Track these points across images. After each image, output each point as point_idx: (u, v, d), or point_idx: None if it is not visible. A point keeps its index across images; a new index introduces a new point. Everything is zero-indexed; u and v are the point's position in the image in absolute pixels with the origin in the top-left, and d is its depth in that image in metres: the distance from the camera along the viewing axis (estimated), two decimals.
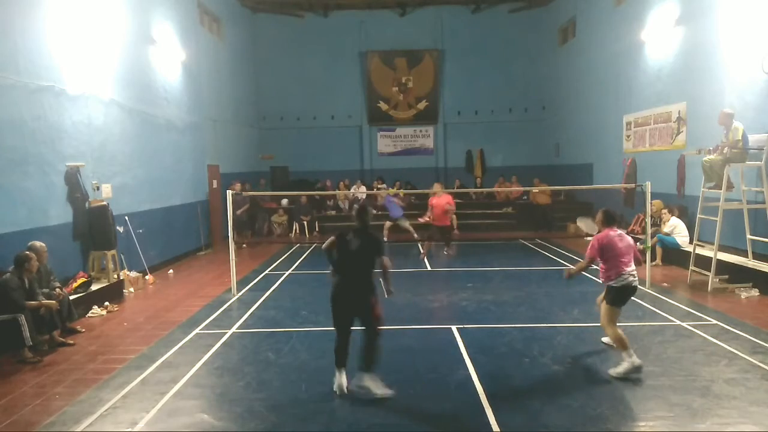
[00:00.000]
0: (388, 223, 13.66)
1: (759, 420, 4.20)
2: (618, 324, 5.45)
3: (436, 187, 12.48)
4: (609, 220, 5.50)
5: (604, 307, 5.45)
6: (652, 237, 9.67)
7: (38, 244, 6.66)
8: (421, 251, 12.28)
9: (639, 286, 8.56)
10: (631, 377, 5.03)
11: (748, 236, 8.52)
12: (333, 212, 17.46)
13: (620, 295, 5.35)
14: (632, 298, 7.95)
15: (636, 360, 5.06)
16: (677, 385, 4.86)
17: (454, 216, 16.08)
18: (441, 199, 11.66)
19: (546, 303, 7.93)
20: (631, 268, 5.35)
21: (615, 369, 5.14)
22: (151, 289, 9.61)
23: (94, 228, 8.61)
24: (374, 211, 10.27)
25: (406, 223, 13.46)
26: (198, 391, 5.04)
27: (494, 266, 10.99)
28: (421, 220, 12.91)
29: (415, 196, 18.32)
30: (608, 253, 5.31)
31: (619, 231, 5.54)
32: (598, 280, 9.24)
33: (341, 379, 4.86)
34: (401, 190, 17.90)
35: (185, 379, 5.26)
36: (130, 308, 8.24)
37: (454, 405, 4.64)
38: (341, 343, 4.95)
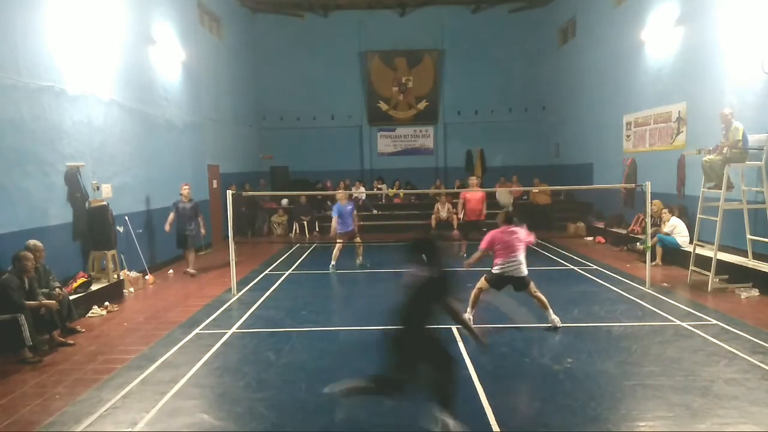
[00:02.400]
0: (339, 244, 10.94)
1: (759, 420, 4.20)
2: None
3: (473, 181, 12.58)
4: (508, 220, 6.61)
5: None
6: (652, 237, 9.67)
7: (34, 242, 6.65)
8: (462, 252, 11.31)
9: (639, 286, 8.66)
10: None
11: (748, 236, 8.51)
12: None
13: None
14: (632, 298, 8.02)
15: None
16: (677, 385, 4.86)
17: (455, 216, 16.15)
18: (476, 194, 11.79)
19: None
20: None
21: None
22: (151, 289, 9.61)
23: (94, 228, 8.61)
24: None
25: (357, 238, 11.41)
26: (198, 391, 5.04)
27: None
28: (458, 216, 12.66)
29: (415, 196, 18.36)
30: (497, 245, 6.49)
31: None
32: (598, 280, 9.29)
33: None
34: (401, 190, 17.93)
35: (185, 379, 5.26)
36: (130, 308, 8.24)
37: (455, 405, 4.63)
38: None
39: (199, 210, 10.72)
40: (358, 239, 11.32)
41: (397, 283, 4.73)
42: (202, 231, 10.75)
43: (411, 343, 3.89)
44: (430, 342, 3.98)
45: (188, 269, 10.56)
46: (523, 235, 6.59)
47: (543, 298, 6.65)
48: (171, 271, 10.96)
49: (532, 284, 6.64)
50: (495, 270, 6.53)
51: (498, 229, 6.58)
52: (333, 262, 10.79)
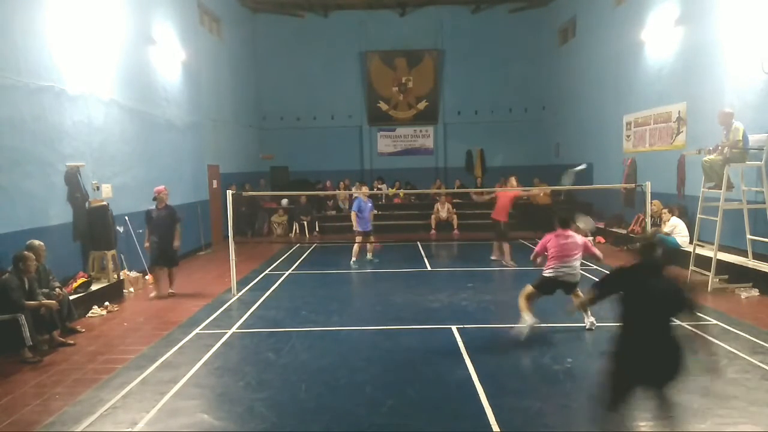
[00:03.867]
0: (359, 239, 11.32)
1: (759, 420, 4.20)
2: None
3: (513, 181, 12.33)
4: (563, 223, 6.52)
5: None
6: None
7: (37, 243, 6.65)
8: (503, 256, 11.07)
9: None
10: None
11: (748, 236, 8.51)
12: (333, 212, 17.47)
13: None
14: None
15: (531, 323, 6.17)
16: (677, 385, 4.85)
17: (455, 216, 16.16)
18: (509, 193, 11.42)
19: (546, 303, 7.90)
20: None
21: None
22: (151, 289, 9.60)
23: (94, 228, 8.61)
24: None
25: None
26: (198, 391, 5.04)
27: (494, 266, 10.99)
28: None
29: (415, 196, 18.35)
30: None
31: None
32: (597, 280, 9.28)
33: None
34: (401, 191, 17.93)
35: (185, 379, 5.26)
36: (130, 308, 8.24)
37: (454, 405, 4.64)
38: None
39: (177, 217, 8.89)
40: (372, 237, 11.65)
41: (400, 283, 4.82)
42: (176, 243, 8.82)
43: None
44: None
45: (170, 289, 8.90)
46: (579, 240, 6.43)
47: (583, 297, 6.48)
48: None
49: (578, 289, 6.50)
50: (547, 273, 6.36)
51: (553, 233, 6.47)
52: (354, 258, 11.15)
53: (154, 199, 8.90)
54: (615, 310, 3.51)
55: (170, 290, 8.87)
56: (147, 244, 8.95)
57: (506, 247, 11.11)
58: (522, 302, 6.36)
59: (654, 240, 3.49)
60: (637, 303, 3.40)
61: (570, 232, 6.43)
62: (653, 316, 3.36)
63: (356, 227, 11.26)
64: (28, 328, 5.87)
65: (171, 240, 8.74)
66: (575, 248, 6.31)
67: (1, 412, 4.68)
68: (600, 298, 3.75)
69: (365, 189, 12.18)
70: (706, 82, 10.28)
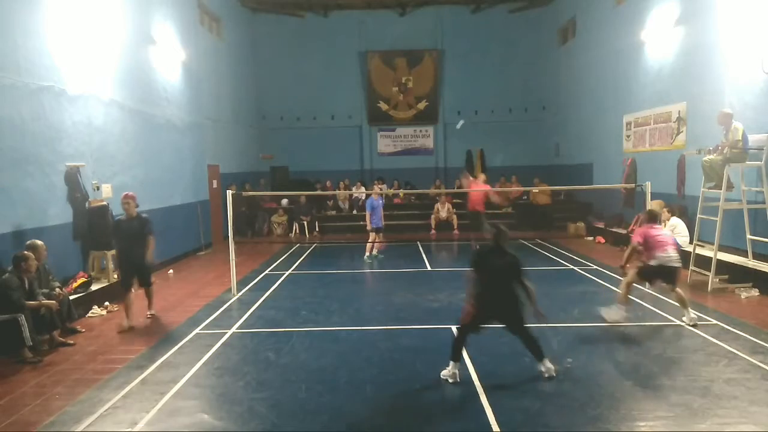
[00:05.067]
0: (373, 236, 11.81)
1: (759, 420, 4.20)
2: (619, 324, 6.47)
3: (481, 177, 12.98)
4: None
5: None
6: None
7: (37, 242, 6.65)
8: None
9: (638, 286, 8.66)
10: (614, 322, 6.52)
11: (748, 236, 8.51)
12: (333, 212, 17.47)
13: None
14: (632, 298, 8.02)
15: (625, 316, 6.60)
16: (677, 385, 4.87)
17: (455, 216, 16.15)
18: (479, 187, 12.30)
19: (546, 303, 7.85)
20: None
21: (607, 310, 6.76)
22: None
23: (94, 228, 8.60)
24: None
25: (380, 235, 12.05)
26: (198, 391, 5.04)
27: None
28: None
29: (415, 196, 18.35)
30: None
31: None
32: (598, 280, 9.29)
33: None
34: (401, 190, 17.93)
35: (185, 379, 5.26)
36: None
37: (454, 405, 4.64)
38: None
39: (150, 228, 7.44)
40: (380, 235, 12.11)
41: (401, 283, 4.96)
42: (148, 257, 7.43)
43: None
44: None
45: (149, 311, 7.68)
46: (667, 233, 7.16)
47: (683, 294, 6.74)
48: (171, 271, 10.96)
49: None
50: (653, 262, 6.60)
51: (645, 227, 6.86)
52: (367, 254, 11.71)
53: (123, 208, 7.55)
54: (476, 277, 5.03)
55: (149, 312, 7.64)
56: (115, 259, 7.93)
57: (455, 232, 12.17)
58: (625, 293, 6.76)
59: (500, 228, 5.24)
60: (487, 272, 5.10)
61: (658, 226, 6.93)
62: (498, 280, 5.08)
63: (369, 225, 11.86)
64: (28, 328, 5.87)
65: (142, 255, 7.31)
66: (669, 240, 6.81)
67: (1, 412, 4.68)
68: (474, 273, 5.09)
69: (377, 188, 13.06)
70: (706, 82, 10.28)
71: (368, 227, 11.91)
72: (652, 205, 10.12)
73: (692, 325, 6.54)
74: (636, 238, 6.81)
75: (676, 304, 6.89)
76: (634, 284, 6.94)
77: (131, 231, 7.30)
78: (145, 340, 6.57)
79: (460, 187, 17.87)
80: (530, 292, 5.14)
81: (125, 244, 7.35)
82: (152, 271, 7.87)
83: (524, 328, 5.11)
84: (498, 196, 13.24)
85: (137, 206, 7.49)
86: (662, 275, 6.65)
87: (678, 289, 6.69)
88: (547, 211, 16.68)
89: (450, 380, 5.02)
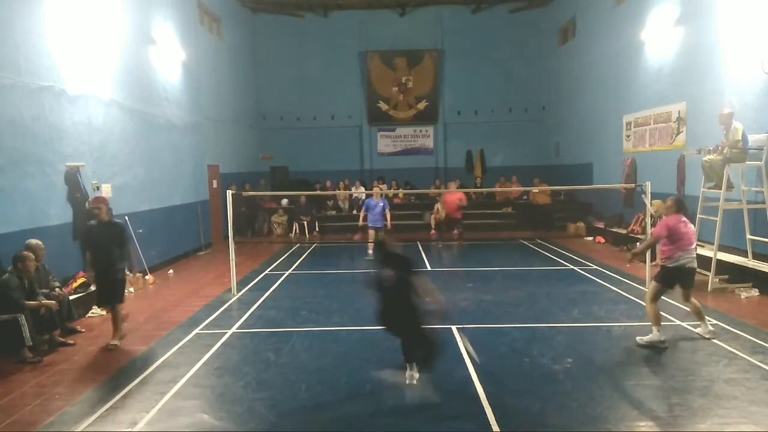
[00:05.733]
0: (371, 232, 11.92)
1: (759, 420, 4.20)
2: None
3: (452, 186, 13.86)
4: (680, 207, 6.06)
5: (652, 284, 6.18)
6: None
7: (35, 242, 6.64)
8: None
9: (639, 286, 8.66)
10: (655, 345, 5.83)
11: (748, 236, 8.51)
12: (333, 212, 17.47)
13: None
14: (632, 298, 8.03)
15: (663, 337, 5.84)
16: (677, 385, 4.87)
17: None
18: (453, 196, 12.94)
19: (546, 303, 7.93)
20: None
21: (643, 338, 5.92)
22: (151, 289, 9.61)
23: None
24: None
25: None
26: (198, 391, 5.04)
27: (494, 266, 10.99)
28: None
29: (415, 196, 18.35)
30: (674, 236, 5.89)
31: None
32: (598, 280, 9.29)
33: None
34: (401, 190, 17.93)
35: (185, 379, 5.26)
36: (130, 308, 8.21)
37: (454, 405, 4.64)
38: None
39: (126, 236, 6.76)
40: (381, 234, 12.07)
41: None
42: (131, 270, 7.00)
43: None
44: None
45: (112, 341, 6.39)
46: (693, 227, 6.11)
47: (698, 304, 6.20)
48: (171, 271, 10.95)
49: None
50: (672, 264, 5.90)
51: (672, 217, 5.95)
52: (370, 251, 11.66)
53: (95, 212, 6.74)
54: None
55: (112, 342, 6.37)
56: (87, 273, 6.98)
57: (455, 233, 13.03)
58: (652, 310, 5.96)
59: (383, 240, 5.27)
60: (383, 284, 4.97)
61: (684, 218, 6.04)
62: (392, 293, 4.95)
63: (361, 222, 12.18)
64: (28, 328, 5.87)
65: (115, 266, 6.49)
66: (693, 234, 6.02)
67: (1, 412, 4.68)
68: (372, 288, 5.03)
69: (377, 189, 13.40)
70: (706, 82, 10.28)
71: (360, 223, 12.27)
72: (654, 204, 10.14)
73: (643, 344, 5.88)
74: (660, 231, 5.95)
75: (691, 314, 6.31)
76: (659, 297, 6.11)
77: (105, 239, 6.47)
78: (145, 340, 6.57)
79: (459, 187, 17.93)
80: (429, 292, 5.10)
81: (99, 254, 6.47)
82: (125, 285, 6.88)
83: (419, 333, 4.95)
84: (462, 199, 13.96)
85: (110, 210, 6.81)
86: (681, 279, 6.00)
87: (693, 299, 6.14)
88: (547, 211, 16.67)
89: (407, 381, 4.99)
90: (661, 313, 7.23)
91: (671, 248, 5.89)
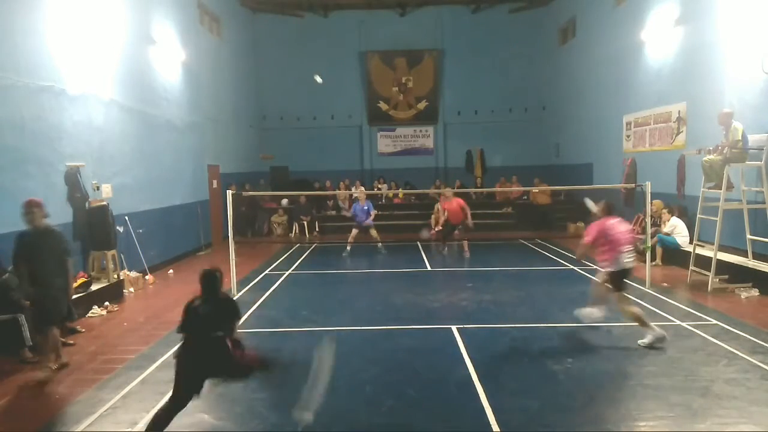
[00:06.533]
0: (355, 231, 12.95)
1: (759, 420, 4.20)
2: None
3: (447, 192, 13.14)
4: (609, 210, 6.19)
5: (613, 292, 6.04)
6: (652, 237, 9.67)
7: None
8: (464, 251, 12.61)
9: (639, 286, 8.67)
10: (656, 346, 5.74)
11: (748, 236, 8.51)
12: (333, 212, 17.47)
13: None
14: (632, 298, 8.02)
15: (659, 331, 5.78)
16: (677, 385, 4.86)
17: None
18: (453, 202, 12.38)
19: (546, 303, 7.94)
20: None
21: (642, 340, 5.83)
22: (151, 289, 9.61)
23: (94, 228, 8.60)
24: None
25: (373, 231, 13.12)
26: None
27: (494, 266, 10.99)
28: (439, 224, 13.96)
29: (415, 196, 18.35)
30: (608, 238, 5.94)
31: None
32: (597, 280, 9.28)
33: None
34: (401, 190, 17.92)
35: None
36: (130, 308, 8.24)
37: (454, 405, 4.64)
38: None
39: (66, 247, 5.77)
40: (374, 231, 13.01)
41: (401, 283, 4.86)
42: (70, 290, 5.80)
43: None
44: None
45: (39, 373, 5.33)
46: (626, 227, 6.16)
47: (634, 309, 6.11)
48: (171, 271, 10.96)
49: None
50: (618, 269, 5.93)
51: (602, 220, 6.11)
52: (348, 247, 12.65)
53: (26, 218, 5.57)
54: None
55: (54, 364, 5.55)
56: (24, 294, 5.62)
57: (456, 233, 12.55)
58: (634, 313, 5.92)
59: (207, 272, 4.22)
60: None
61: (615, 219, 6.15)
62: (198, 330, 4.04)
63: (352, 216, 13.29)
64: (28, 328, 5.86)
65: (54, 280, 5.52)
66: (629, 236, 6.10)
67: (1, 412, 4.68)
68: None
69: (360, 192, 13.98)
70: (706, 82, 10.28)
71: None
72: (654, 204, 10.17)
73: (646, 346, 5.78)
74: (592, 235, 6.02)
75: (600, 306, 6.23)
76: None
77: (41, 249, 5.48)
78: (145, 340, 6.57)
79: (459, 187, 17.94)
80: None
81: (35, 267, 5.41)
82: (64, 306, 5.74)
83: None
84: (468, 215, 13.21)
85: (46, 216, 5.64)
86: (625, 278, 6.09)
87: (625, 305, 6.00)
88: (547, 211, 16.68)
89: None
90: (658, 311, 7.26)
91: (612, 253, 5.94)
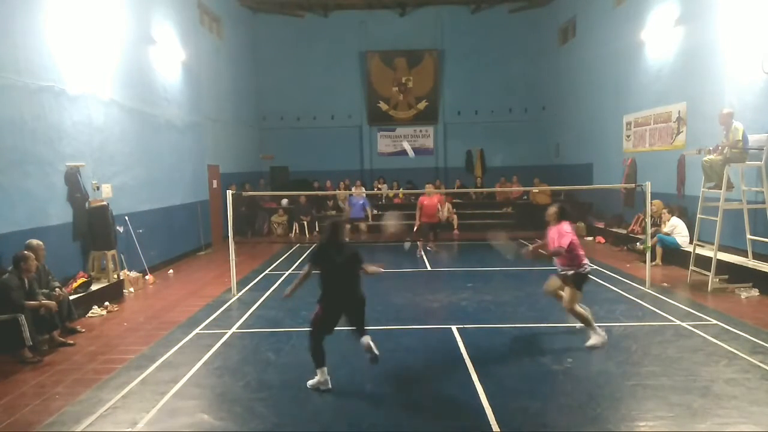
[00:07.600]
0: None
1: (759, 420, 4.20)
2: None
3: (429, 188, 13.16)
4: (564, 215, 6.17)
5: (569, 291, 5.99)
6: (652, 237, 9.67)
7: (35, 242, 6.64)
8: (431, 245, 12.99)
9: (639, 286, 8.68)
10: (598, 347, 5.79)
11: (748, 236, 8.51)
12: (333, 212, 17.46)
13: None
14: (632, 298, 8.04)
15: (602, 333, 5.88)
16: (677, 385, 4.86)
17: (455, 216, 16.17)
18: (433, 198, 12.48)
19: (546, 303, 7.91)
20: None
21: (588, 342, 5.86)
22: (151, 289, 9.61)
23: (94, 228, 8.60)
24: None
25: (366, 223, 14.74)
26: (198, 391, 5.04)
27: (494, 266, 10.98)
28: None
29: (415, 196, 18.32)
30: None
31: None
32: (598, 280, 9.29)
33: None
34: (401, 190, 17.92)
35: (185, 379, 5.26)
36: (130, 308, 8.24)
37: (455, 405, 4.64)
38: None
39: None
40: (363, 226, 14.63)
41: (400, 284, 4.92)
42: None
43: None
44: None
45: None
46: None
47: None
48: (171, 271, 10.96)
49: None
50: (586, 270, 6.00)
51: (566, 224, 6.08)
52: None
53: None
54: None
55: None
56: None
57: (426, 240, 12.52)
58: (581, 313, 5.94)
59: (336, 220, 5.24)
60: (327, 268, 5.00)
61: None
62: (339, 275, 5.01)
63: (348, 213, 14.43)
64: (28, 328, 5.86)
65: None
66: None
67: (1, 412, 4.68)
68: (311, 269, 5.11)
69: (357, 190, 15.35)
70: (706, 82, 10.28)
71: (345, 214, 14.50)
72: (654, 204, 10.17)
73: (590, 347, 5.80)
74: (571, 238, 5.91)
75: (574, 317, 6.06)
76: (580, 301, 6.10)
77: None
78: (145, 340, 6.57)
79: (459, 187, 17.95)
80: (374, 272, 5.26)
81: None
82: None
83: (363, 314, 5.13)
84: (444, 209, 13.42)
85: None
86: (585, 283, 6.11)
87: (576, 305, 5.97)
88: (546, 210, 16.65)
89: (322, 388, 4.85)
90: (658, 311, 7.25)
91: (580, 254, 5.95)
